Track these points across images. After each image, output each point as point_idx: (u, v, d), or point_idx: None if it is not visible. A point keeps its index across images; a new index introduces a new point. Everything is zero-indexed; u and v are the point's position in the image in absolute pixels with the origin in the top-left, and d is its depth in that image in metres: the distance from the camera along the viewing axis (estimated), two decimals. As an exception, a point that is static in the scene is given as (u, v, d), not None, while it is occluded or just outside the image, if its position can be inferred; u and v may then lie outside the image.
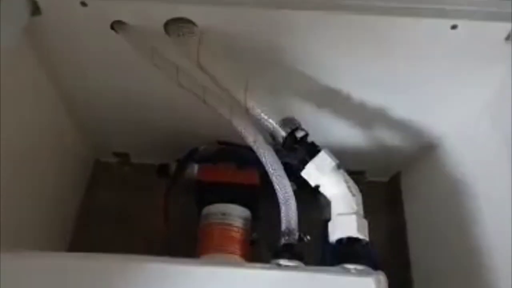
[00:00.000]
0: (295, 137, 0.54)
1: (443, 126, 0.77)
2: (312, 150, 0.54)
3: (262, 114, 0.55)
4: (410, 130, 0.78)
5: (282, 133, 0.55)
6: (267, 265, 0.47)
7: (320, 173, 0.53)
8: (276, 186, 0.53)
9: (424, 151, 0.84)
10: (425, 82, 0.67)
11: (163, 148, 0.86)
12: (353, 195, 0.52)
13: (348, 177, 0.54)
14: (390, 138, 0.80)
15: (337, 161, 0.55)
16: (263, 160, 0.54)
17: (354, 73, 0.66)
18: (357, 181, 0.93)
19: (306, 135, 0.55)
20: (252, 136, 0.55)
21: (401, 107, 0.73)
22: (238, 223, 0.75)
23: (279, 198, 0.52)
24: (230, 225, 0.74)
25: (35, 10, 0.58)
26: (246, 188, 0.77)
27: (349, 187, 0.53)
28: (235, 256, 0.72)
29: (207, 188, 0.78)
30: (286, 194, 0.52)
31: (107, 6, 0.57)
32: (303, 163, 0.54)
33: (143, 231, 0.83)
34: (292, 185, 0.79)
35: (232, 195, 0.77)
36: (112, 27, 0.59)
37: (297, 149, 0.55)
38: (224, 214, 0.75)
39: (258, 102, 0.55)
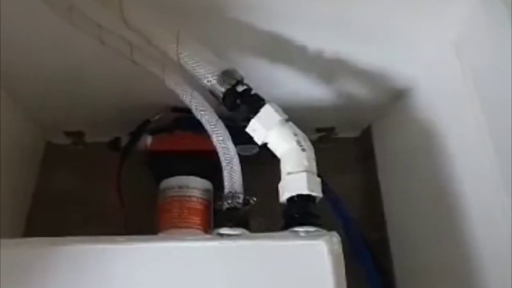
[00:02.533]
0: (236, 92, 0.48)
1: (411, 70, 0.71)
2: (256, 105, 0.48)
3: (197, 69, 0.49)
4: (377, 78, 0.72)
5: (221, 88, 0.49)
6: (208, 236, 0.42)
7: (265, 128, 0.47)
8: (217, 146, 0.47)
9: (393, 100, 0.78)
10: (386, 24, 0.60)
11: (118, 123, 0.80)
12: (303, 149, 0.46)
13: (298, 130, 0.48)
14: (356, 89, 0.74)
15: (286, 116, 0.49)
16: (201, 118, 0.49)
17: (304, 18, 0.59)
18: (326, 139, 0.89)
19: (249, 89, 0.49)
20: (187, 94, 0.49)
21: (363, 54, 0.67)
22: (197, 194, 0.69)
23: (220, 159, 0.47)
24: (189, 197, 0.69)
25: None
26: (204, 156, 0.71)
27: (298, 141, 0.47)
28: (195, 229, 0.67)
29: (161, 159, 0.73)
30: (227, 155, 0.46)
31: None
32: (248, 120, 0.48)
33: (100, 210, 0.78)
34: (253, 148, 0.74)
35: (189, 165, 0.71)
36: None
37: (240, 106, 0.49)
38: (181, 187, 0.69)
39: (191, 55, 0.49)
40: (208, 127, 0.48)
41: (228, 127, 0.50)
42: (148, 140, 0.74)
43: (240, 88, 0.49)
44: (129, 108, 0.77)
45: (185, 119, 0.74)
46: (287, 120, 0.49)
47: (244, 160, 0.50)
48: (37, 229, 0.79)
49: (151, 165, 0.74)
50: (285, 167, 0.47)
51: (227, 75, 0.49)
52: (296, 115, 0.79)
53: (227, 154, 0.46)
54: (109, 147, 0.76)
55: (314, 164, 0.47)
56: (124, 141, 0.77)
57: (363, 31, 0.62)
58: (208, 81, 0.49)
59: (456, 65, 0.62)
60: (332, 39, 0.64)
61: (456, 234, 0.60)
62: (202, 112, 0.48)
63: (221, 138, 0.47)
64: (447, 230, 0.63)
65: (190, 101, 0.49)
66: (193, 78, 0.50)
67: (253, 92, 0.49)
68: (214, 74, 0.49)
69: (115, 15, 0.50)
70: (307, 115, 0.80)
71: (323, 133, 0.87)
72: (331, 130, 0.87)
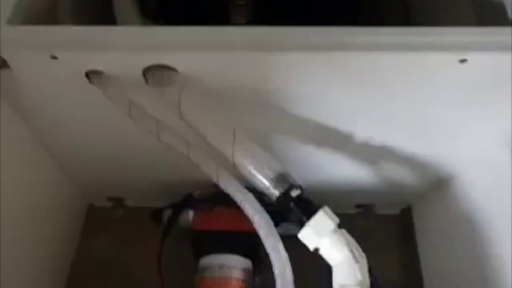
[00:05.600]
0: (290, 197, 0.49)
1: (456, 160, 0.71)
2: (309, 210, 0.48)
3: (253, 171, 0.49)
4: (421, 166, 0.72)
5: (275, 192, 0.49)
6: None
7: (318, 236, 0.47)
8: (270, 253, 0.47)
9: (436, 185, 0.78)
10: (433, 118, 0.61)
11: (159, 191, 0.81)
12: (357, 261, 0.46)
13: (350, 239, 0.48)
14: (399, 173, 0.74)
15: (337, 221, 0.49)
16: (253, 221, 0.49)
17: (355, 112, 0.60)
18: (365, 215, 0.89)
19: (302, 192, 0.49)
20: (241, 195, 0.50)
21: (409, 144, 0.67)
22: (237, 275, 0.69)
23: (273, 267, 0.47)
24: (228, 278, 0.69)
25: (3, 64, 0.54)
26: (245, 235, 0.71)
27: (352, 252, 0.47)
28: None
29: (202, 237, 0.73)
30: (280, 264, 0.46)
31: (80, 57, 0.52)
32: (300, 225, 0.49)
33: (138, 281, 0.78)
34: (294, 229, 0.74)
35: (230, 244, 0.71)
36: (87, 76, 0.55)
37: (293, 209, 0.49)
38: (221, 267, 0.69)
39: (247, 156, 0.50)
40: (261, 232, 0.49)
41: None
42: (190, 215, 0.75)
43: (294, 193, 0.49)
44: (171, 181, 0.78)
45: (226, 194, 0.75)
46: (339, 226, 0.49)
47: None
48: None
49: (192, 242, 0.74)
50: (337, 278, 0.47)
51: (281, 178, 0.50)
52: (335, 191, 0.80)
53: (280, 262, 0.46)
54: (151, 218, 0.77)
55: (367, 275, 0.47)
56: (164, 211, 0.78)
57: (411, 124, 0.62)
58: (262, 183, 0.50)
59: (503, 159, 0.62)
60: (381, 130, 0.64)
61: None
62: (255, 217, 0.49)
63: (274, 245, 0.47)
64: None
65: (242, 202, 0.49)
66: (246, 177, 0.51)
67: (306, 197, 0.50)
68: (269, 177, 0.49)
69: (173, 111, 0.52)
70: (347, 191, 0.81)
71: (362, 209, 0.86)
72: (370, 206, 0.86)
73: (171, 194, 0.80)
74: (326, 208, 0.49)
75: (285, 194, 0.49)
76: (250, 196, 0.50)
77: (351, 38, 0.50)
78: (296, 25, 0.71)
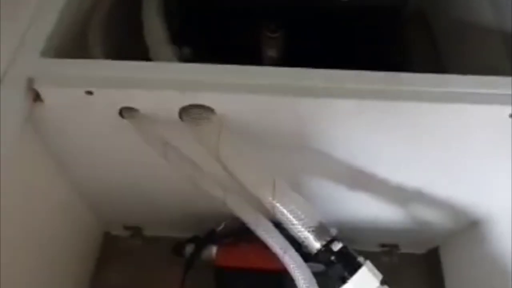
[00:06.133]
0: (331, 250, 0.47)
1: (488, 204, 0.69)
2: (353, 267, 0.46)
3: (293, 221, 0.47)
4: (452, 209, 0.69)
5: (316, 245, 0.47)
6: None
7: (361, 293, 0.45)
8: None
9: (466, 226, 0.75)
10: (472, 166, 0.59)
11: (179, 222, 0.79)
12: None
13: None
14: (428, 216, 0.72)
15: (381, 277, 0.47)
16: (294, 275, 0.47)
17: (394, 158, 0.58)
18: (390, 253, 0.86)
19: (345, 248, 0.47)
20: (281, 248, 0.48)
21: (442, 188, 0.65)
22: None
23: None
24: (253, 320, 0.66)
25: (37, 97, 0.53)
26: (270, 273, 0.69)
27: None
28: None
29: (227, 275, 0.70)
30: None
31: (115, 93, 0.50)
32: (341, 281, 0.46)
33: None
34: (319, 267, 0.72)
35: (255, 283, 0.69)
36: (120, 113, 0.53)
37: (334, 263, 0.47)
38: (246, 307, 0.67)
39: (287, 205, 0.48)
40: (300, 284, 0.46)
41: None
42: (213, 250, 0.73)
43: (335, 246, 0.47)
44: (193, 212, 0.76)
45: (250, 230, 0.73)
46: (383, 282, 0.47)
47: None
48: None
49: (215, 279, 0.72)
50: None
51: (322, 230, 0.47)
52: (360, 229, 0.78)
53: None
54: (172, 252, 0.75)
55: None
56: (186, 246, 0.75)
57: (451, 171, 0.60)
58: (302, 235, 0.47)
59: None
60: (417, 175, 0.62)
61: None
62: (296, 271, 0.47)
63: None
64: None
65: (283, 257, 0.47)
66: (285, 227, 0.49)
67: (348, 251, 0.47)
68: (310, 229, 0.47)
69: (210, 153, 0.50)
70: (373, 230, 0.79)
71: (386, 248, 0.84)
72: (394, 246, 0.84)
73: (192, 225, 0.78)
74: (369, 263, 0.47)
75: (327, 247, 0.47)
76: (291, 251, 0.48)
77: (397, 87, 0.49)
78: (329, 56, 0.70)
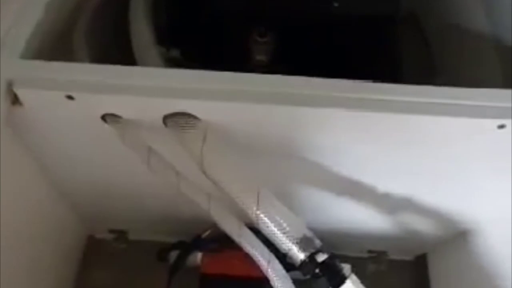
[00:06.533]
0: (316, 262, 0.46)
1: (477, 214, 0.68)
2: (336, 279, 0.45)
3: (276, 232, 0.46)
4: (440, 218, 0.69)
5: (300, 256, 0.46)
6: None
7: (345, 307, 0.44)
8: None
9: (454, 235, 0.75)
10: (460, 176, 0.58)
11: (164, 226, 0.78)
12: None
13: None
14: (417, 224, 0.71)
15: (365, 290, 0.46)
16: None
17: (381, 167, 0.57)
18: (378, 260, 0.86)
19: (329, 260, 0.46)
20: (264, 259, 0.47)
21: (431, 197, 0.65)
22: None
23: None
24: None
25: (16, 100, 0.51)
26: (256, 281, 0.68)
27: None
28: None
29: (212, 281, 0.69)
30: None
31: (97, 100, 0.49)
32: (325, 293, 0.45)
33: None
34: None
35: (240, 290, 0.68)
36: (103, 118, 0.51)
37: (318, 276, 0.46)
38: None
39: (271, 215, 0.47)
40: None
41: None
42: (198, 257, 0.72)
43: (320, 258, 0.46)
44: (177, 218, 0.75)
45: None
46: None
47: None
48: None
49: (200, 287, 0.70)
50: None
51: (306, 242, 0.46)
52: (347, 235, 0.77)
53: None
54: (157, 257, 0.74)
55: None
56: (171, 252, 0.74)
57: (440, 181, 0.60)
58: (286, 245, 0.46)
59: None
60: (405, 184, 0.62)
61: None
62: (278, 283, 0.46)
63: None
64: None
65: (267, 270, 0.46)
66: (269, 237, 0.48)
67: (333, 263, 0.46)
68: (294, 240, 0.46)
69: (194, 160, 0.49)
70: (360, 237, 0.78)
71: (374, 254, 0.83)
72: (382, 253, 0.83)
73: (177, 230, 0.77)
74: (353, 276, 0.46)
75: (311, 258, 0.46)
76: (274, 263, 0.47)
77: (385, 97, 0.48)
78: (319, 63, 0.69)
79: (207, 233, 0.72)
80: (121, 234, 0.83)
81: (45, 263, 0.73)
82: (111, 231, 0.83)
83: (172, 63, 0.67)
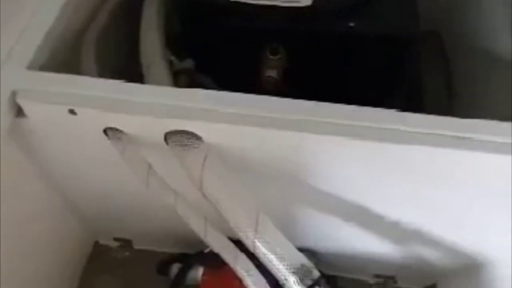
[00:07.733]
0: (314, 295, 0.44)
1: (486, 247, 0.65)
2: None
3: (274, 261, 0.45)
4: (449, 249, 0.66)
5: (297, 287, 0.44)
6: None
7: None
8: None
9: (465, 267, 0.72)
10: (473, 211, 0.56)
11: (169, 237, 0.77)
12: None
13: None
14: (426, 253, 0.69)
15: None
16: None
17: (391, 197, 0.55)
18: (384, 285, 0.83)
19: (326, 290, 0.45)
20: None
21: (440, 228, 0.62)
22: None
23: None
24: None
25: (20, 112, 0.51)
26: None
27: None
28: None
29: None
30: None
31: (100, 115, 0.48)
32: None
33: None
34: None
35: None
36: (105, 132, 0.51)
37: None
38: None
39: (270, 244, 0.45)
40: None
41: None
42: (199, 272, 0.70)
43: (316, 292, 0.44)
44: (181, 230, 0.73)
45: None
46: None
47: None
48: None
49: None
50: None
51: (304, 273, 0.45)
52: (354, 259, 0.75)
53: None
54: (157, 271, 0.73)
55: None
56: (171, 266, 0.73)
57: (451, 214, 0.57)
58: (283, 276, 0.45)
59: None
60: (414, 216, 0.59)
61: None
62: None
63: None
64: None
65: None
66: (266, 266, 0.46)
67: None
68: (291, 270, 0.44)
69: (193, 182, 0.48)
70: (367, 261, 0.76)
71: (381, 279, 0.81)
72: (390, 278, 0.81)
73: (181, 242, 0.76)
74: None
75: (308, 291, 0.44)
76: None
77: (394, 126, 0.46)
78: (331, 84, 0.67)
79: (209, 249, 0.70)
80: (126, 243, 0.83)
81: (48, 265, 0.73)
82: (116, 239, 0.83)
83: (181, 74, 0.66)
